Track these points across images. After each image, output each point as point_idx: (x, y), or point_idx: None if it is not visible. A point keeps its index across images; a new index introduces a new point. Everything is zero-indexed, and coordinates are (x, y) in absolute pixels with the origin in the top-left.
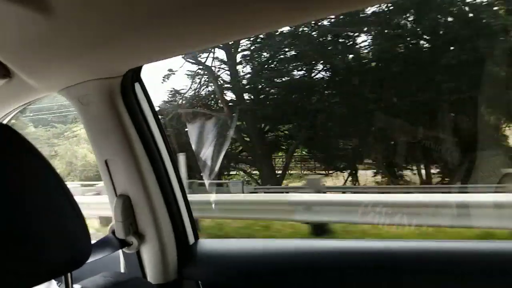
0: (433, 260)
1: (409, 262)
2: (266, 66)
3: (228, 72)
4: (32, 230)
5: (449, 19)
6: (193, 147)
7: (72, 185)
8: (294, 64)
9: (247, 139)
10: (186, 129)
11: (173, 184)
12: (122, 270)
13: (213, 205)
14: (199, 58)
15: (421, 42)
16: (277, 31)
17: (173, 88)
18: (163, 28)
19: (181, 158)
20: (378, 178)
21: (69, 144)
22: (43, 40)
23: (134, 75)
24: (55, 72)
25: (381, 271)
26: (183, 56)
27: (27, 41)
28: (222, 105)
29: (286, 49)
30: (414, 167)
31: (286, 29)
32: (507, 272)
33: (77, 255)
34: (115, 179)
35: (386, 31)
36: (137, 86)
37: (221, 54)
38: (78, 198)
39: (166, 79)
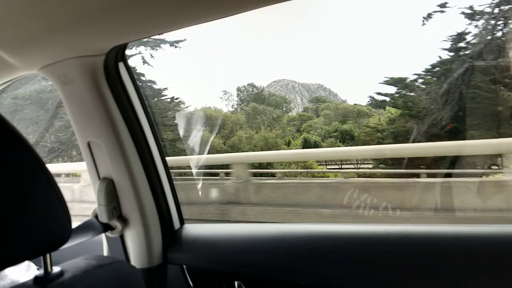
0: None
1: (398, 246)
2: None
3: None
4: (9, 211)
5: None
6: None
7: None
8: None
9: None
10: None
11: (158, 168)
12: (105, 255)
13: None
14: None
15: None
16: None
17: (458, 32)
18: (149, 4)
19: None
20: None
21: None
22: (23, 16)
23: (119, 54)
24: (35, 49)
25: (366, 254)
26: None
27: (6, 17)
28: None
29: None
30: None
31: None
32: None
33: (56, 236)
34: (98, 162)
35: None
36: (121, 66)
37: None
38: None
39: (427, 19)
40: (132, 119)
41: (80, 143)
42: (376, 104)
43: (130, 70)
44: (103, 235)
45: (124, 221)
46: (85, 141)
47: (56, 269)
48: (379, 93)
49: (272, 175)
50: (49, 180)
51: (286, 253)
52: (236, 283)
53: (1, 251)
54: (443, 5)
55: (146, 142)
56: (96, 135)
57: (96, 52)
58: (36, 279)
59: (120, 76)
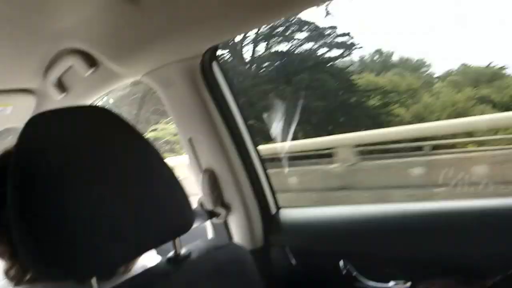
0: None
1: None
2: None
3: None
4: (145, 202)
5: None
6: None
7: None
8: None
9: None
10: None
11: (253, 158)
12: None
13: None
14: None
15: None
16: None
17: None
18: None
19: None
20: None
21: None
22: (128, 27)
23: (213, 54)
24: (139, 57)
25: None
26: None
27: (113, 30)
28: None
29: None
30: None
31: None
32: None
33: (183, 222)
34: (200, 156)
35: None
36: (214, 65)
37: None
38: None
39: None
40: (228, 114)
41: (183, 140)
42: None
43: (222, 68)
44: (207, 222)
45: (227, 208)
46: (186, 138)
47: (183, 250)
48: None
49: None
50: (172, 172)
51: (387, 234)
52: (340, 262)
53: (143, 237)
54: None
55: (240, 135)
56: (197, 131)
57: (193, 54)
58: (169, 259)
59: (215, 75)
